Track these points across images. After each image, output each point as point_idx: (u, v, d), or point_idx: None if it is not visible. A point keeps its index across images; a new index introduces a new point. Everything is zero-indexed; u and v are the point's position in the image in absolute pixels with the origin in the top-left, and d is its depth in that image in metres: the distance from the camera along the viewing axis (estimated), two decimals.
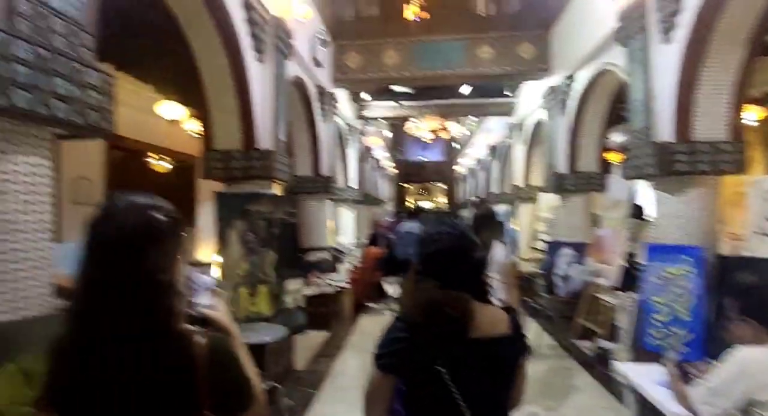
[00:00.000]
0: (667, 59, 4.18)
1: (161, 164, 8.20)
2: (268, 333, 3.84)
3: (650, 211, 5.27)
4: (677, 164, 4.00)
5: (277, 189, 5.00)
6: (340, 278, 7.15)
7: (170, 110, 7.30)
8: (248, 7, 4.43)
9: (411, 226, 6.76)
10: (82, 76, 1.98)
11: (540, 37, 7.67)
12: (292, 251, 6.17)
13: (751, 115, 6.73)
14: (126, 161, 6.97)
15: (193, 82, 4.56)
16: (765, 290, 3.01)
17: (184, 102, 7.41)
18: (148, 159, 8.01)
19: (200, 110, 4.78)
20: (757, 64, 4.15)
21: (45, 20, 1.86)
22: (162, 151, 8.13)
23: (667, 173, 4.05)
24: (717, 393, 2.12)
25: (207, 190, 5.63)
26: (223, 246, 4.13)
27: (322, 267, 7.02)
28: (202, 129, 4.78)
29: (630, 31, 4.65)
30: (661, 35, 4.24)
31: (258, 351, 3.38)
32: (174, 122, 7.44)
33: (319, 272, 6.85)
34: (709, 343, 3.47)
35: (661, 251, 4.17)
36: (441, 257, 1.50)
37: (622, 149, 11.52)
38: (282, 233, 4.33)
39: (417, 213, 7.21)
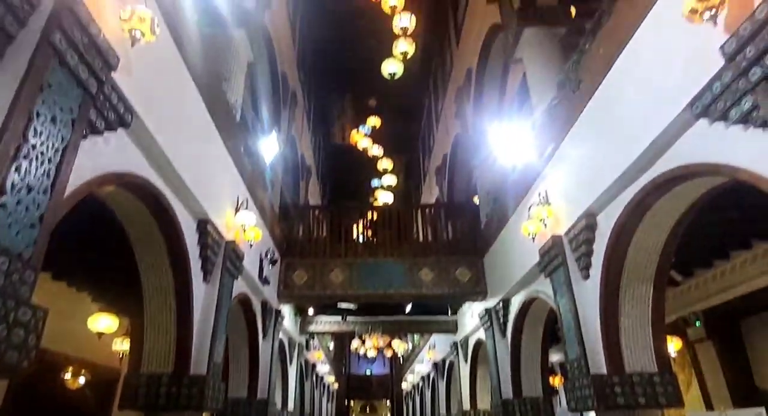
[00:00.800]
0: (588, 293, 4.49)
1: (77, 380, 7.42)
2: None
3: None
4: (615, 397, 4.00)
5: None
6: None
7: (101, 322, 6.96)
8: (202, 232, 4.63)
9: None
10: (13, 314, 1.89)
11: (475, 264, 8.25)
12: None
13: (673, 344, 7.09)
14: (37, 373, 6.23)
15: (132, 297, 4.42)
16: None
17: (117, 315, 7.12)
18: (63, 372, 7.26)
19: (134, 327, 4.54)
20: (669, 295, 4.50)
21: None
22: (81, 364, 7.45)
23: (607, 406, 4.02)
24: None
25: None
26: None
27: None
28: (131, 348, 4.47)
29: (552, 266, 5.01)
30: (579, 272, 4.65)
31: None
32: (101, 335, 7.03)
33: None
34: None
35: None
36: None
37: (563, 372, 11.53)
38: None
39: None
